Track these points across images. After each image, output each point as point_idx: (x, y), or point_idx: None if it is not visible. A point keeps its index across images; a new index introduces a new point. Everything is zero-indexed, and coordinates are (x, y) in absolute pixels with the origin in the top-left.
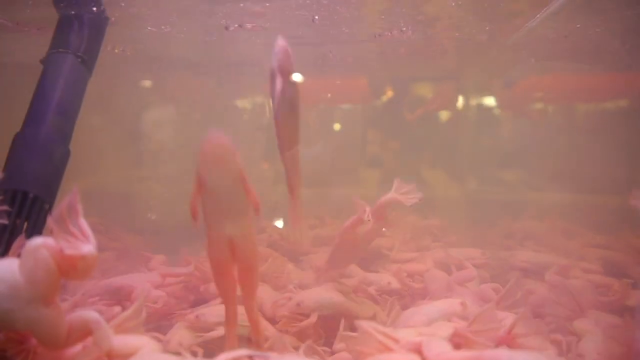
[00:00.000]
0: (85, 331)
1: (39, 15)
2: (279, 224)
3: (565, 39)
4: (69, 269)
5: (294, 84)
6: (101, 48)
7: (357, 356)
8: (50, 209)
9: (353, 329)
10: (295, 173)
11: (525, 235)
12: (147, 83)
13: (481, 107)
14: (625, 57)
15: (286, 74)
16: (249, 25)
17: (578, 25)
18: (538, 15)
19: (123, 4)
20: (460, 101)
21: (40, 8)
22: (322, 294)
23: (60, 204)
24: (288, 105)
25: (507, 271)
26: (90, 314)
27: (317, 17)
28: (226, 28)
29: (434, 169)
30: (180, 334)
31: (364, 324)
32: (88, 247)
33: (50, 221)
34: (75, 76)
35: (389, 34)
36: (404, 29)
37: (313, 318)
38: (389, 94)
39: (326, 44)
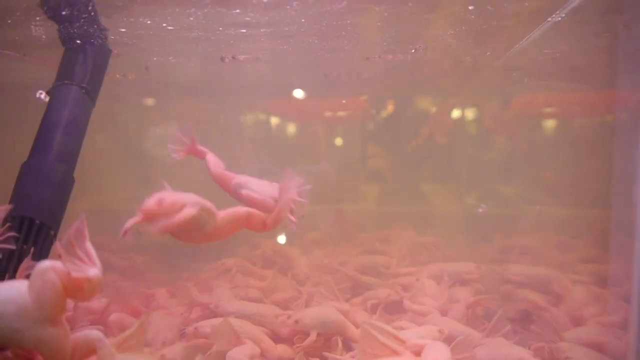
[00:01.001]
0: (89, 349)
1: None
2: (280, 239)
3: (553, 61)
4: (75, 291)
5: None
6: (104, 79)
7: (362, 357)
8: (55, 235)
9: (347, 347)
10: None
11: (521, 250)
12: (149, 105)
13: (479, 124)
14: (611, 76)
15: None
16: (241, 57)
17: (554, 50)
18: (525, 38)
19: (126, 39)
20: (458, 119)
21: (45, 29)
22: (321, 312)
23: (69, 230)
24: None
25: (501, 284)
26: (93, 333)
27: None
28: (222, 59)
29: (433, 184)
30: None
31: (369, 327)
32: (94, 270)
33: (58, 245)
34: (79, 107)
35: (390, 57)
36: (413, 50)
37: (313, 336)
38: (390, 110)
39: (320, 68)
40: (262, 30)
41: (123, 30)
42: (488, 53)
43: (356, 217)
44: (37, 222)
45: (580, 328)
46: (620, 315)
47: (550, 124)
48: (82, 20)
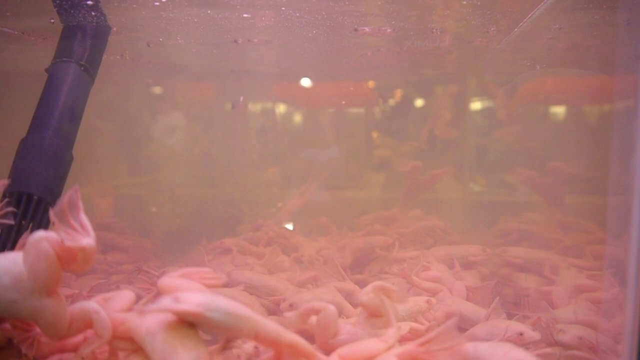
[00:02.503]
0: (86, 321)
1: (43, 25)
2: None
3: (557, 40)
4: (69, 261)
5: None
6: (103, 56)
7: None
8: None
9: None
10: None
11: (525, 234)
12: (153, 90)
13: (485, 111)
14: (623, 60)
15: None
16: (255, 40)
17: (558, 26)
18: (528, 17)
19: (124, 19)
20: (464, 108)
21: (44, 17)
22: (316, 295)
23: (62, 200)
24: None
25: (502, 267)
26: (90, 304)
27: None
28: (235, 41)
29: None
30: None
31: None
32: (87, 240)
33: (52, 215)
34: (78, 84)
35: (389, 30)
36: (433, 31)
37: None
38: (397, 97)
39: (330, 50)
40: (267, 12)
41: (122, 6)
42: (492, 28)
43: (361, 203)
44: (35, 197)
45: (572, 306)
46: (612, 296)
47: (558, 111)
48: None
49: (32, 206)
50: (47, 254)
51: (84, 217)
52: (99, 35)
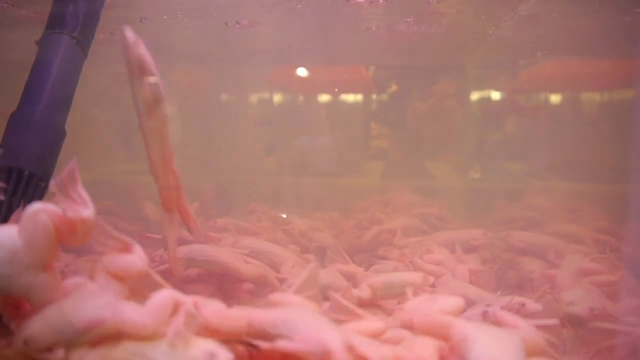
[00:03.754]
0: None
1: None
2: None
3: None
4: (68, 234)
5: (156, 84)
6: (97, 30)
7: None
8: (45, 187)
9: None
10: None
11: (528, 220)
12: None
13: (484, 99)
14: (626, 44)
15: (144, 71)
16: (245, 22)
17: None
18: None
19: None
20: (462, 93)
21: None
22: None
23: (61, 172)
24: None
25: (505, 251)
26: (84, 280)
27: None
28: (225, 24)
29: (437, 160)
30: None
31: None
32: (87, 212)
33: (52, 185)
34: (70, 57)
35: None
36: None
37: None
38: (394, 86)
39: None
40: None
41: None
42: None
43: (359, 190)
44: (26, 172)
45: (578, 289)
46: (619, 278)
47: (561, 99)
48: None
49: (23, 182)
50: (45, 226)
51: (82, 189)
52: (92, 6)
